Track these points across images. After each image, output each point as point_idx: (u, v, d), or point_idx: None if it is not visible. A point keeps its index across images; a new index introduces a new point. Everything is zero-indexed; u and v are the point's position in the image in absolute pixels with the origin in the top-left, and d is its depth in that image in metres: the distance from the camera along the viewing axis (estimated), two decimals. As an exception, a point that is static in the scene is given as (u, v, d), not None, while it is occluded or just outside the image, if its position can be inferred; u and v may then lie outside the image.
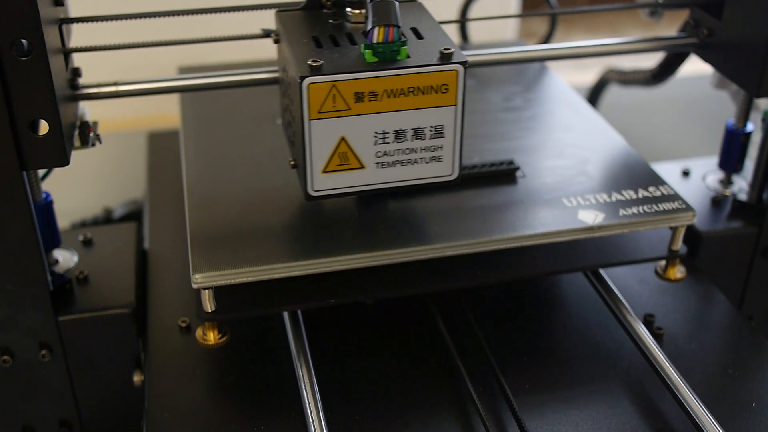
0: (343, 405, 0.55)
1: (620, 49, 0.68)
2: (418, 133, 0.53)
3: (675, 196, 0.60)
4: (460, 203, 0.59)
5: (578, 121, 0.71)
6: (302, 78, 0.49)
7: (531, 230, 0.56)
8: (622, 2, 0.81)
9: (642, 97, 1.11)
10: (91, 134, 0.58)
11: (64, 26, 0.57)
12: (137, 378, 0.61)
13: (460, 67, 0.51)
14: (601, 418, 0.54)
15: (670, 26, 0.86)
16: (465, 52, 0.54)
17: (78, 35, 0.60)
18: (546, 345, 0.60)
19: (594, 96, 1.00)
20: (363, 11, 0.55)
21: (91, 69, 0.64)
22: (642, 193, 0.60)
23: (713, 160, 0.75)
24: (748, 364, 0.58)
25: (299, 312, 0.58)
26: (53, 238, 0.60)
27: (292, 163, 0.56)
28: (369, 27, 0.51)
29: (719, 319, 0.63)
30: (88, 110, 0.61)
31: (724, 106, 0.88)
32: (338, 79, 0.50)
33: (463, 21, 0.83)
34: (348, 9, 0.56)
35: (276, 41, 0.57)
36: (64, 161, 0.53)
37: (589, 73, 1.11)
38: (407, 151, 0.53)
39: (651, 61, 0.80)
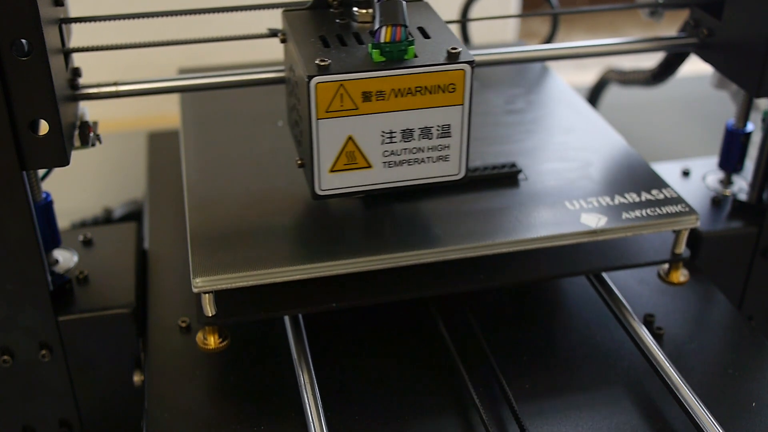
0: (344, 406, 0.55)
1: (620, 49, 0.68)
2: (426, 132, 0.53)
3: (678, 199, 0.60)
4: (462, 206, 0.59)
5: (580, 124, 0.71)
6: (310, 77, 0.49)
7: (534, 234, 0.56)
8: (622, 2, 0.81)
9: (642, 97, 1.11)
10: (91, 134, 0.58)
11: (64, 26, 0.57)
12: (137, 378, 0.61)
13: (467, 67, 0.51)
14: (601, 418, 0.54)
15: (670, 26, 0.86)
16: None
17: (78, 35, 0.60)
18: (546, 345, 0.60)
19: (594, 96, 1.00)
20: (370, 11, 0.55)
21: (91, 69, 0.64)
22: (645, 196, 0.60)
23: (713, 160, 0.75)
24: (748, 364, 0.58)
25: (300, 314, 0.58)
26: (53, 238, 0.60)
27: (299, 162, 0.56)
28: (376, 26, 0.50)
29: (719, 319, 0.63)
30: (88, 110, 0.61)
31: (724, 106, 0.88)
32: (346, 78, 0.50)
33: (463, 21, 0.83)
34: (355, 8, 0.55)
35: (283, 41, 0.57)
36: (64, 161, 0.53)
37: (589, 73, 1.11)
38: (414, 151, 0.53)
39: (651, 61, 0.80)
